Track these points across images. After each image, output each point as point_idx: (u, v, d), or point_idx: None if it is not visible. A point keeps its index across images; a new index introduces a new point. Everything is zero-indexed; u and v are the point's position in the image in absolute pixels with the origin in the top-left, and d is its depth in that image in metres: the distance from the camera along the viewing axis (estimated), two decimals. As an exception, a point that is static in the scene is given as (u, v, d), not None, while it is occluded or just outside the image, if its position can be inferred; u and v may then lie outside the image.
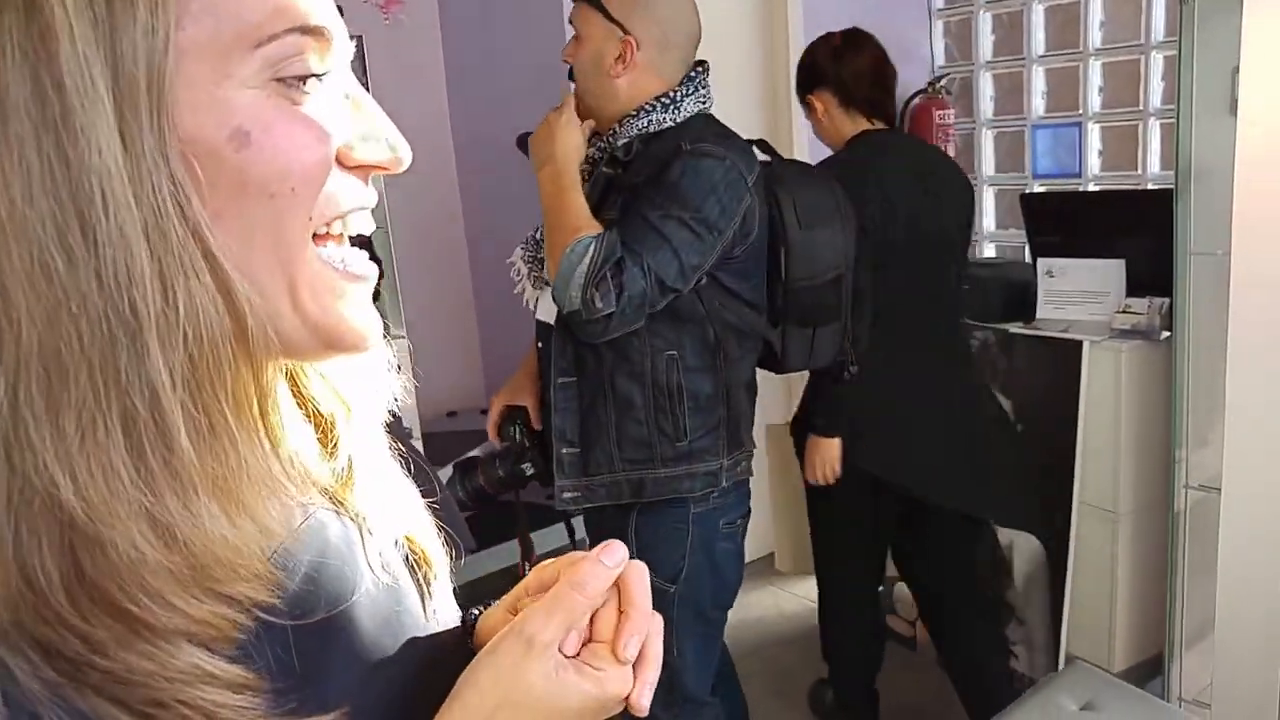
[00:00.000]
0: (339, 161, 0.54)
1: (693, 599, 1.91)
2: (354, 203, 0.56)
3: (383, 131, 0.56)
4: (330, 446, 0.62)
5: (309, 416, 0.62)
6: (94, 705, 0.45)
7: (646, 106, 1.81)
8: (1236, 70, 1.92)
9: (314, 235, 0.54)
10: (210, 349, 0.48)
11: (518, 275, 1.98)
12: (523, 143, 1.86)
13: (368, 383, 0.64)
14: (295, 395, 0.62)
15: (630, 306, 1.68)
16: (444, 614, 0.68)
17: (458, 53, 3.61)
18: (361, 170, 0.56)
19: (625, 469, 1.83)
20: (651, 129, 1.81)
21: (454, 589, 0.71)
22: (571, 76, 1.88)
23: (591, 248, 1.68)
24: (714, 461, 1.86)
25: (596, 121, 1.86)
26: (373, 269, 0.58)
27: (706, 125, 1.84)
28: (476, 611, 0.71)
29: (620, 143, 1.83)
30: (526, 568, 1.83)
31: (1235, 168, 1.83)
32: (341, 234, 0.56)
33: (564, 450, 1.87)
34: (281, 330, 0.53)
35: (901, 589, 3.04)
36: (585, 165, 1.86)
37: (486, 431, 2.13)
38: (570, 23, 1.87)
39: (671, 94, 1.82)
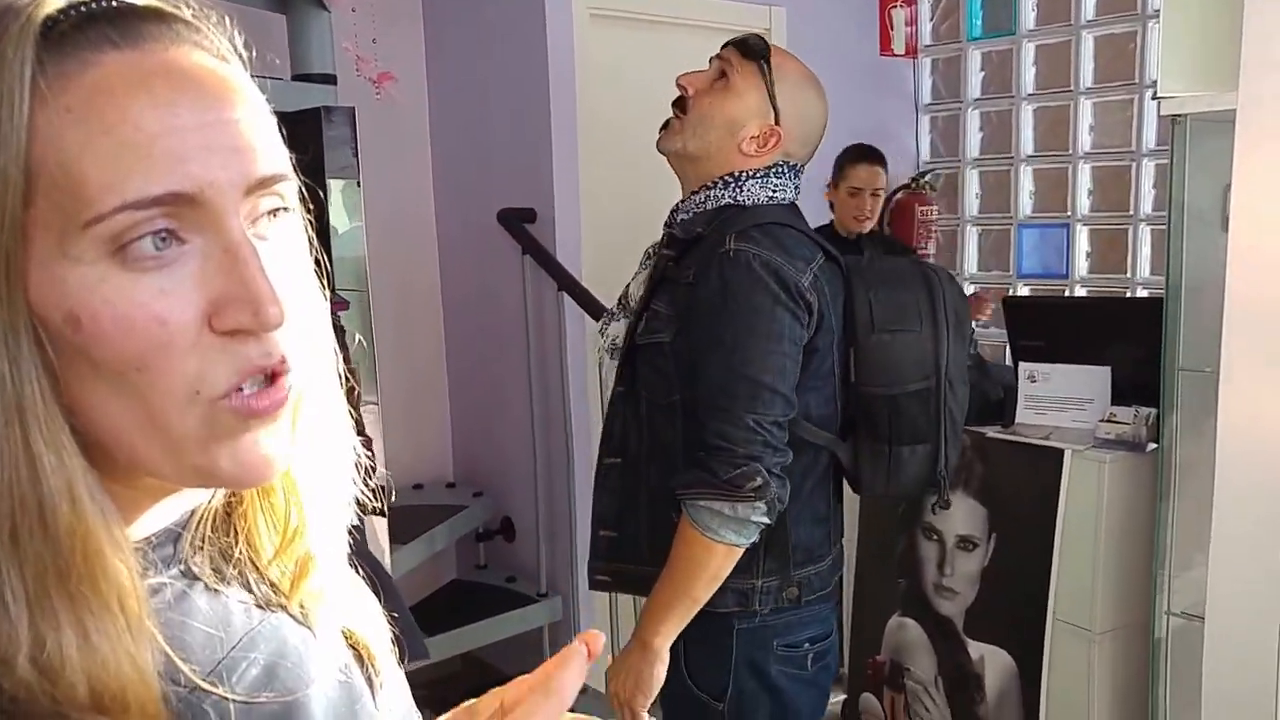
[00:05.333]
0: (212, 327, 0.51)
1: None
2: (235, 375, 0.52)
3: (248, 292, 0.51)
4: (286, 542, 0.63)
5: (267, 511, 0.63)
6: None
7: (709, 183, 1.67)
8: (1228, 188, 1.89)
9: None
10: (20, 524, 0.48)
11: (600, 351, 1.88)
12: (504, 218, 1.79)
13: (328, 483, 0.63)
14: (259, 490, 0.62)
15: (776, 445, 1.56)
16: (399, 710, 0.70)
17: (444, 126, 3.61)
18: (233, 335, 0.51)
19: (654, 564, 1.66)
20: (710, 205, 1.67)
21: None
22: (678, 104, 1.70)
23: (702, 509, 1.54)
24: (747, 581, 1.67)
25: (678, 167, 1.72)
26: (279, 400, 0.54)
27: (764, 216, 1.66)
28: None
29: (680, 219, 1.70)
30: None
31: (1226, 287, 1.78)
32: (242, 388, 0.53)
33: (601, 532, 1.76)
34: (165, 474, 0.53)
35: (868, 700, 2.92)
36: (650, 247, 1.77)
37: (451, 507, 2.02)
38: (720, 60, 1.69)
39: (737, 173, 1.66)
